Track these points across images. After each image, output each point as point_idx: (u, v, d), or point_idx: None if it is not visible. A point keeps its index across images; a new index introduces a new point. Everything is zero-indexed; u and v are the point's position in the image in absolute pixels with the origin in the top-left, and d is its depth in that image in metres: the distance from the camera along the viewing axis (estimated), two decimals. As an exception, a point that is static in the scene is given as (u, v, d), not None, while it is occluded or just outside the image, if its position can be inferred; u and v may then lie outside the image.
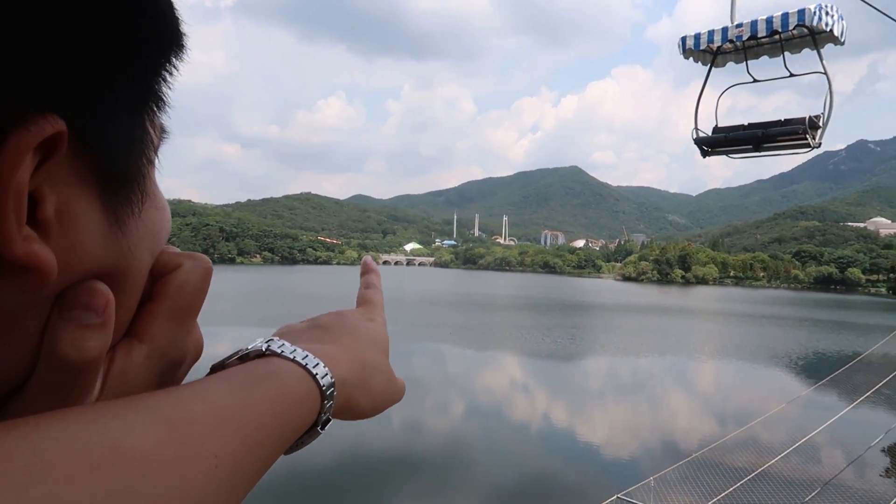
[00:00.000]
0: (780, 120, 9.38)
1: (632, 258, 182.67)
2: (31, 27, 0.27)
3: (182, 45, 0.36)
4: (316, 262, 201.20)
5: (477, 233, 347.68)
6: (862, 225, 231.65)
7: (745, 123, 9.74)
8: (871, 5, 8.23)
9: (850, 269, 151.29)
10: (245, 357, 0.42)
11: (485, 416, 26.53)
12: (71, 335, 0.32)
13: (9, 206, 0.27)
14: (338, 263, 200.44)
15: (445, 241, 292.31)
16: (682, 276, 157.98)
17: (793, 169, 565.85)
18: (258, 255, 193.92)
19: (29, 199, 0.28)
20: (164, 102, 0.35)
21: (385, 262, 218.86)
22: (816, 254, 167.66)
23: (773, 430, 19.08)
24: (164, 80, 0.35)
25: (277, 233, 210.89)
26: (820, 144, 8.86)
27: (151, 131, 0.35)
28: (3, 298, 0.29)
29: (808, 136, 8.69)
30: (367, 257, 0.63)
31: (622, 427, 25.81)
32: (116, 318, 0.34)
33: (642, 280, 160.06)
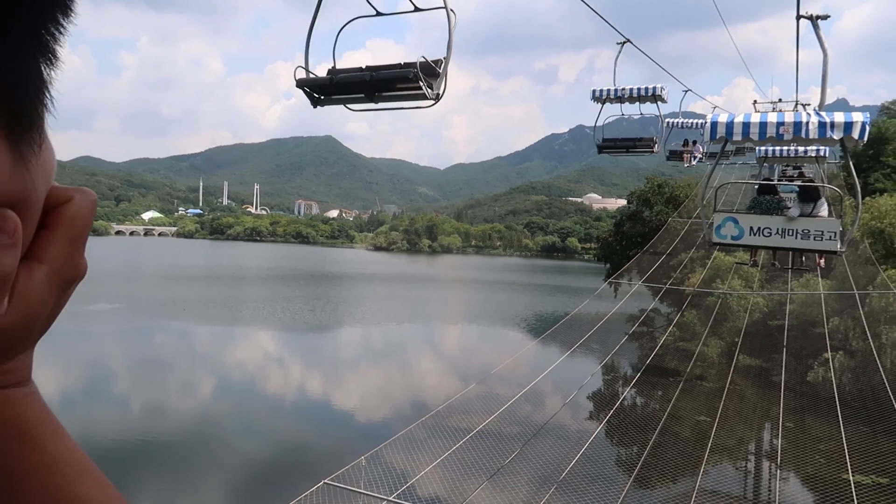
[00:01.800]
0: (398, 63, 7.89)
1: (383, 229, 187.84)
2: None
3: (71, 7, 0.40)
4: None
5: (226, 201, 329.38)
6: (579, 200, 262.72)
7: (363, 67, 8.12)
8: (587, 5, 8.69)
9: (569, 239, 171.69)
10: None
11: (236, 393, 25.60)
12: None
13: None
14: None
15: (190, 210, 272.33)
16: (430, 246, 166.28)
17: (526, 148, 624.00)
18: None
19: None
20: (56, 57, 0.40)
21: (119, 233, 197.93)
22: (543, 225, 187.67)
23: (501, 385, 20.95)
24: (55, 37, 0.40)
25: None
26: (438, 96, 7.54)
27: (48, 82, 0.40)
28: None
29: (422, 83, 7.35)
30: None
31: (374, 392, 26.64)
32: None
33: (393, 250, 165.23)
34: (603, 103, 18.37)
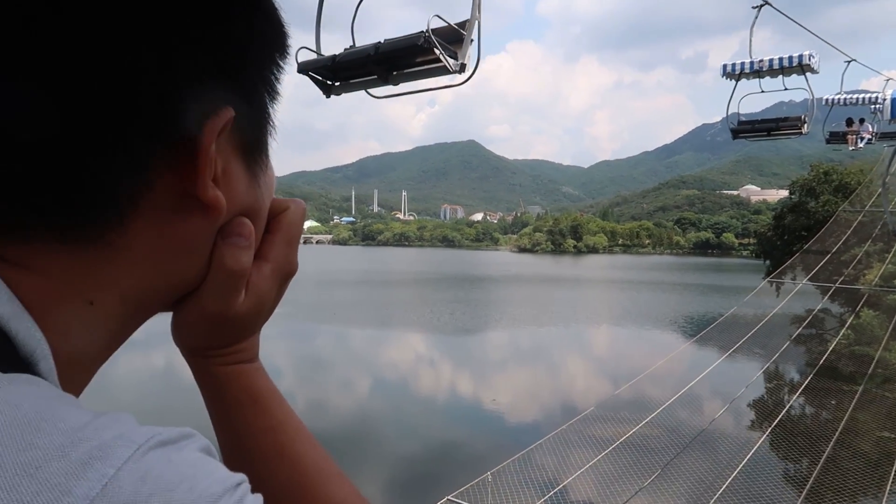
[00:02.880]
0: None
1: (527, 230, 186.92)
2: (214, 46, 0.43)
3: (287, 50, 0.51)
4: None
5: (376, 209, 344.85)
6: (735, 192, 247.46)
7: (381, 41, 6.29)
8: None
9: (725, 235, 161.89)
10: None
11: (391, 392, 26.41)
12: (232, 253, 0.49)
13: (206, 166, 0.43)
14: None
15: (344, 218, 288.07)
16: (575, 246, 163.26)
17: (675, 140, 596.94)
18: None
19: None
20: (277, 92, 0.51)
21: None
22: (695, 220, 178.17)
23: (651, 389, 19.95)
24: (277, 76, 0.50)
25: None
26: (465, 67, 5.82)
27: (271, 114, 0.51)
28: (197, 230, 0.46)
29: (437, 51, 5.59)
30: None
31: (522, 394, 26.43)
32: None
33: (537, 251, 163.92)
34: (737, 79, 15.89)
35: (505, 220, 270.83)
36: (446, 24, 5.81)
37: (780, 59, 14.80)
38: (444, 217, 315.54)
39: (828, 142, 23.62)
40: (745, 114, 17.23)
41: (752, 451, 14.82)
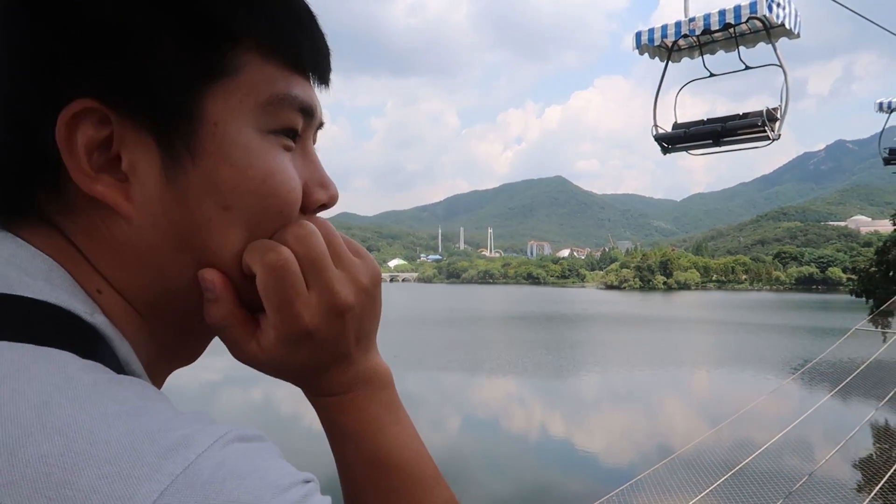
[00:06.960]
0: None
1: (613, 266, 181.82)
2: (94, 39, 0.41)
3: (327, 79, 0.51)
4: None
5: (462, 246, 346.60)
6: (843, 224, 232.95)
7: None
8: (841, 4, 7.80)
9: (830, 269, 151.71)
10: None
11: (480, 431, 25.95)
12: (205, 307, 0.47)
13: (69, 159, 0.41)
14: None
15: (430, 256, 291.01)
16: (664, 283, 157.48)
17: (774, 171, 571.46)
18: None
19: (114, 158, 0.43)
20: (211, 77, 0.44)
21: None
22: (797, 254, 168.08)
23: (750, 429, 18.34)
24: (201, 63, 0.44)
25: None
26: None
27: (191, 104, 0.44)
28: (124, 231, 0.44)
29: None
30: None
31: (617, 435, 25.27)
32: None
33: (624, 288, 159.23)
34: (667, 57, 9.72)
35: (592, 256, 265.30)
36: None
37: (722, 13, 8.63)
38: (531, 254, 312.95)
39: (887, 162, 17.24)
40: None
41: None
